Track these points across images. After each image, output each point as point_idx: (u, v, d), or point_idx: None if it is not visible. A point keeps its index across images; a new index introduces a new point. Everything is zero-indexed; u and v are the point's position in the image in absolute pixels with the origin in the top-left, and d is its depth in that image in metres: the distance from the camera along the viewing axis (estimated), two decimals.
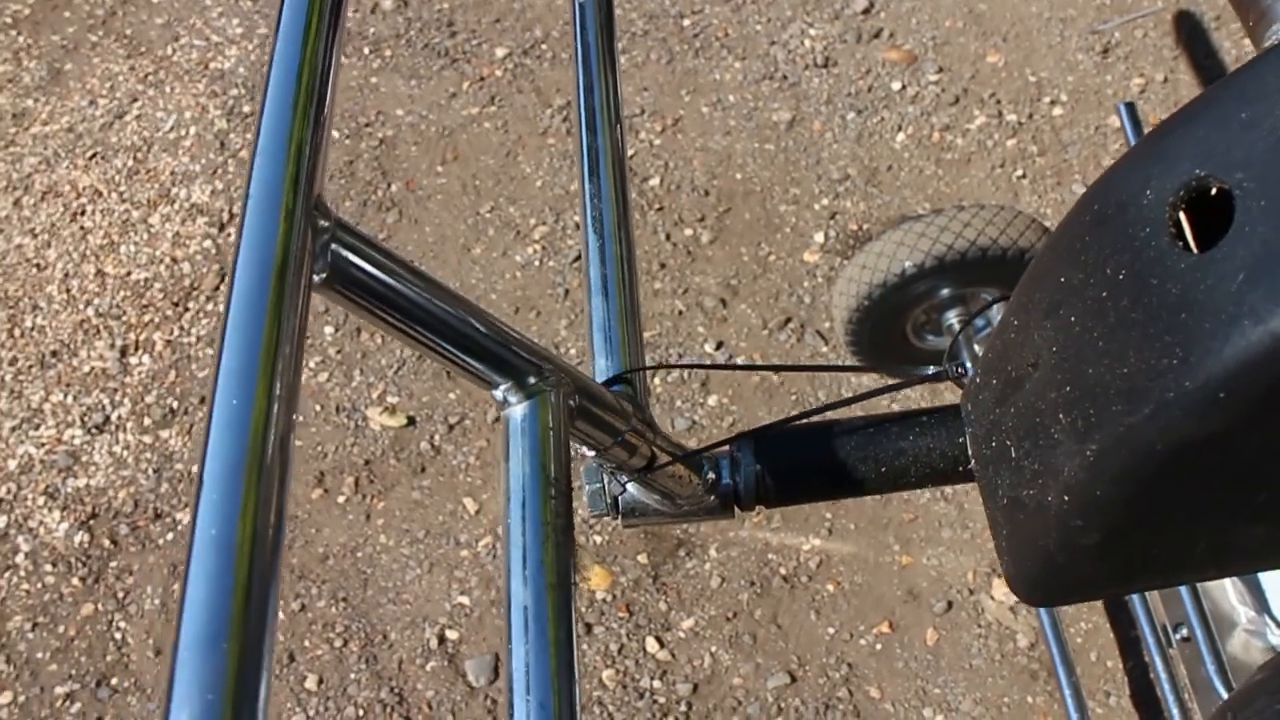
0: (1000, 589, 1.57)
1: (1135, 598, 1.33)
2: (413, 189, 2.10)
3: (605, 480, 0.70)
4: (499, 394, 0.49)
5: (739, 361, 1.79)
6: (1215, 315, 0.44)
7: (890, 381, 1.39)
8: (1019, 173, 1.97)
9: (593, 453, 0.59)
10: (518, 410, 0.48)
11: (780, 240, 1.94)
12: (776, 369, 1.13)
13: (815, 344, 1.80)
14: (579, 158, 0.77)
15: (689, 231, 1.97)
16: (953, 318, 1.44)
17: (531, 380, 0.48)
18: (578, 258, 1.97)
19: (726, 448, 0.75)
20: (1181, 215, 0.47)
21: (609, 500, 0.71)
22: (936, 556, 1.61)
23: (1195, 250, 0.46)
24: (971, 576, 1.59)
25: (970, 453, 0.67)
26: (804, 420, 0.75)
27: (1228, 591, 1.34)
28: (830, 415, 0.77)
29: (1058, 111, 2.03)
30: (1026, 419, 0.56)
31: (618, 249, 0.73)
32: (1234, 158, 0.44)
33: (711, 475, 0.73)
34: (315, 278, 0.42)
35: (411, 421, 1.83)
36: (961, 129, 2.03)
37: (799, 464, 0.74)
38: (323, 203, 0.42)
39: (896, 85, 2.10)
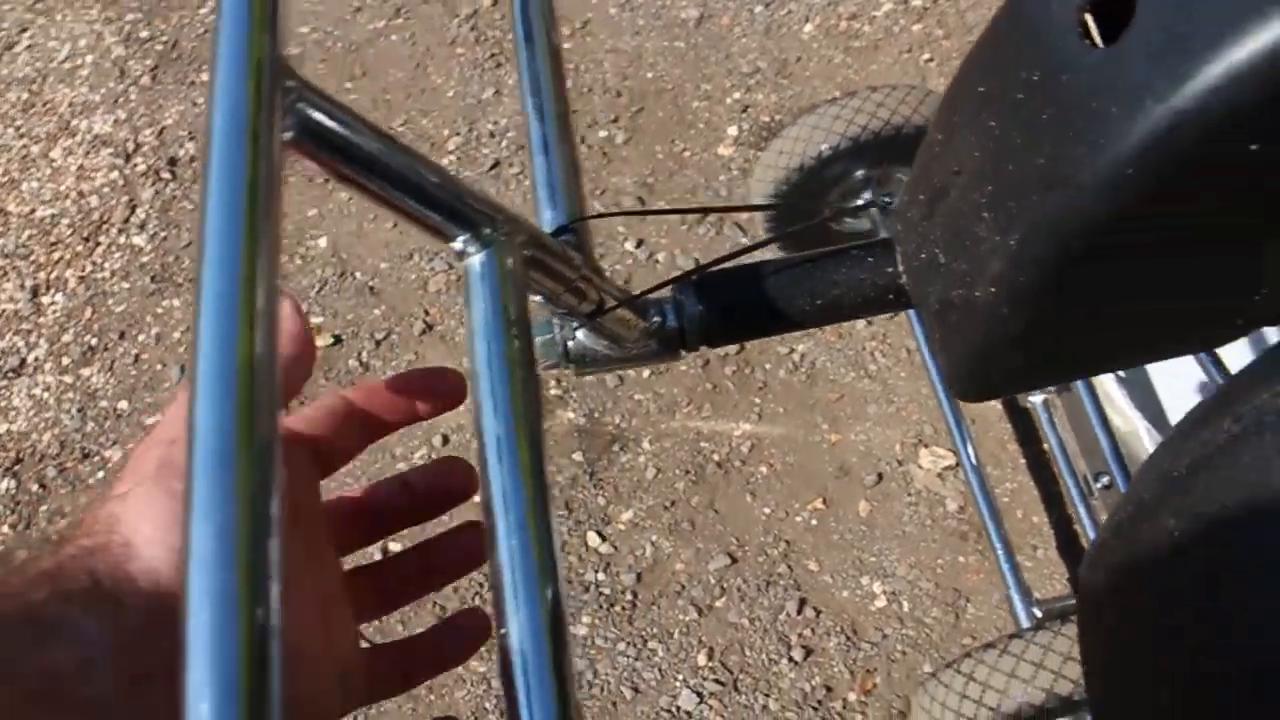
0: (928, 458, 1.61)
1: (1057, 451, 1.37)
2: None
3: (557, 329, 0.72)
4: (458, 245, 0.50)
5: (664, 205, 1.80)
6: (1120, 100, 0.47)
7: (821, 216, 1.41)
8: (926, 56, 1.99)
9: (544, 300, 0.61)
10: (476, 259, 0.50)
11: (694, 136, 1.95)
12: (711, 210, 1.16)
13: (734, 235, 1.82)
14: (514, 24, 0.78)
15: (603, 133, 1.97)
16: (869, 197, 1.46)
17: (488, 231, 0.50)
18: (494, 165, 1.96)
19: (670, 291, 0.77)
20: (1088, 16, 0.49)
21: (560, 348, 0.73)
22: (864, 432, 1.65)
23: (1101, 45, 0.49)
24: (899, 448, 1.63)
25: (901, 270, 0.70)
26: (742, 261, 0.77)
27: (1144, 439, 1.39)
28: (766, 255, 0.80)
29: None
30: (952, 224, 0.59)
31: (555, 106, 0.75)
32: None
33: (657, 319, 0.75)
34: (284, 136, 0.43)
35: (338, 340, 1.82)
36: (868, 16, 2.05)
37: (739, 303, 0.76)
38: (287, 64, 0.42)
39: None
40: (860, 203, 0.90)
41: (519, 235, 0.52)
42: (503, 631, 0.41)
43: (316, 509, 0.46)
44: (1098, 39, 0.49)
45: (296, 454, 0.45)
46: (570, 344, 0.73)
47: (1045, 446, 1.54)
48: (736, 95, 1.99)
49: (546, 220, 0.70)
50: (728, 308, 0.76)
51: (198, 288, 0.35)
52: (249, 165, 0.36)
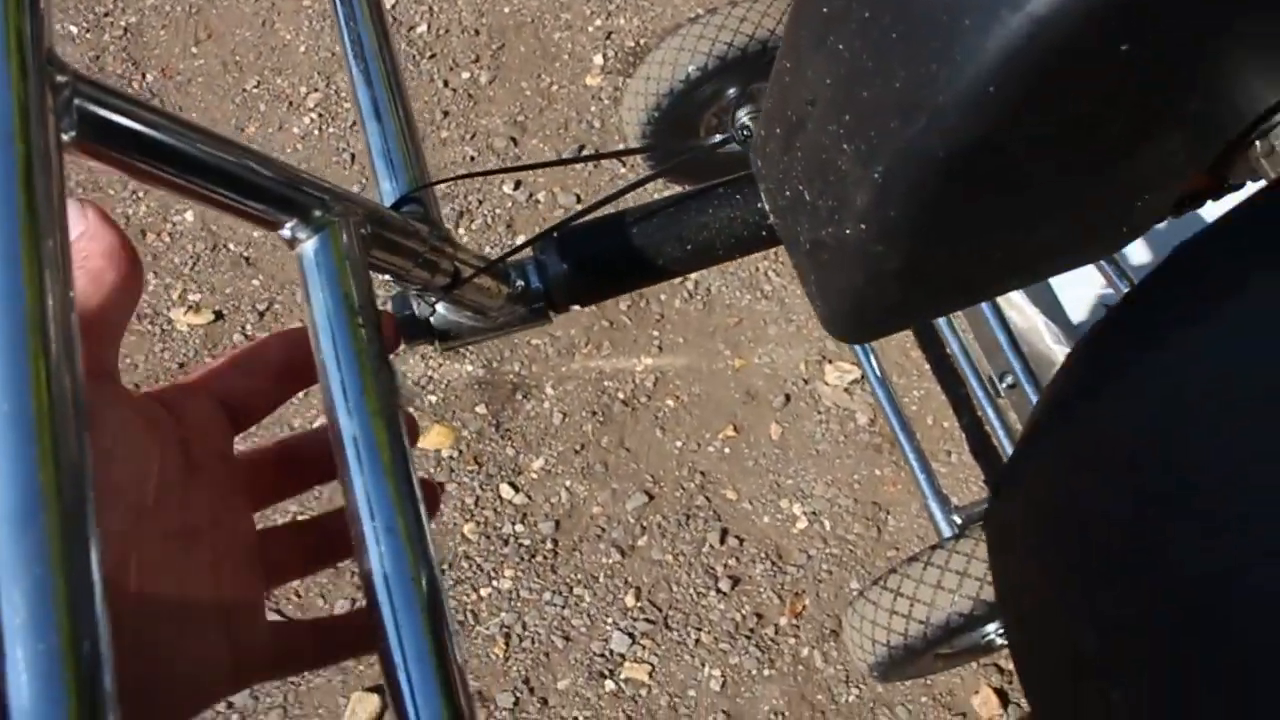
0: (833, 374, 1.61)
1: (959, 354, 1.38)
2: (170, 76, 1.97)
3: (415, 306, 0.68)
4: (287, 232, 0.46)
5: (527, 161, 1.76)
6: (974, 11, 0.44)
7: (678, 156, 1.38)
8: None
9: (394, 279, 0.57)
10: (309, 245, 0.45)
11: (560, 69, 1.90)
12: (555, 164, 1.12)
13: (613, 167, 1.78)
14: None
15: (466, 74, 1.91)
16: (744, 116, 1.43)
17: (317, 213, 0.45)
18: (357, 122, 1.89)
19: (531, 251, 0.73)
20: None
21: (422, 326, 0.69)
22: (767, 354, 1.64)
23: None
24: (804, 367, 1.63)
25: (768, 209, 0.67)
26: (602, 211, 0.74)
27: (1043, 334, 1.40)
28: (629, 203, 0.77)
29: None
30: (813, 158, 0.56)
31: (382, 68, 0.70)
32: None
33: (521, 282, 0.72)
34: (64, 137, 0.38)
35: (219, 315, 1.76)
36: None
37: (606, 255, 0.73)
38: (56, 56, 0.37)
39: None
40: (717, 139, 0.86)
41: (354, 213, 0.48)
42: (381, 641, 0.39)
43: (222, 462, 0.43)
44: None
45: (199, 405, 0.43)
46: (433, 320, 0.70)
47: (949, 350, 1.55)
48: (598, 22, 1.94)
49: (387, 192, 0.66)
50: (593, 262, 0.73)
51: None
52: (20, 175, 0.32)
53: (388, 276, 0.57)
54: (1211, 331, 0.40)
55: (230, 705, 1.51)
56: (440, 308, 0.69)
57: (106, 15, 2.05)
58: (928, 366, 1.61)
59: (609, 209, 0.74)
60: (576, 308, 0.74)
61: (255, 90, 1.94)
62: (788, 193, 0.61)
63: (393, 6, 1.99)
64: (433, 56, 1.93)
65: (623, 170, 1.78)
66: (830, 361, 1.62)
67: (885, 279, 0.55)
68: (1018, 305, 1.40)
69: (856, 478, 1.55)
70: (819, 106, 0.54)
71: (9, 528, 0.28)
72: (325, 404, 0.43)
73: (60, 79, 0.36)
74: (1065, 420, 0.49)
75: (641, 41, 1.91)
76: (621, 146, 1.61)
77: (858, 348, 1.40)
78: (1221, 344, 0.40)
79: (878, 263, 0.54)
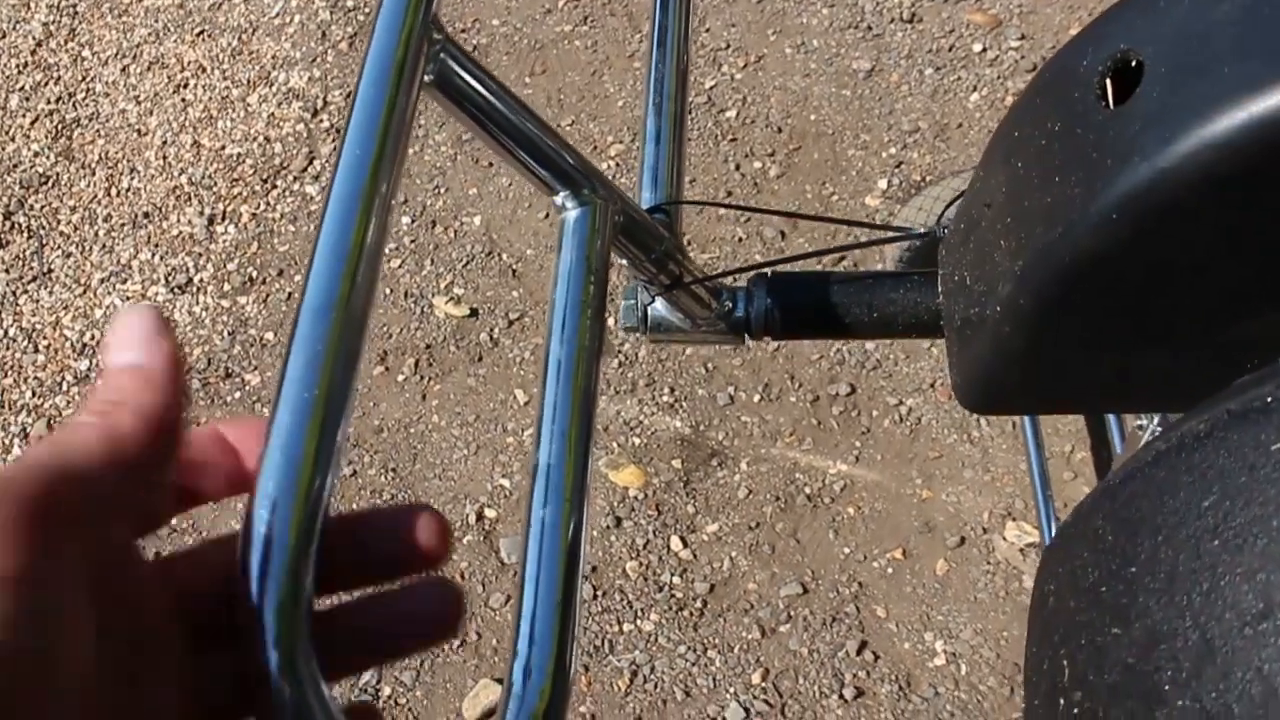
0: (1013, 532, 1.64)
1: None
2: None
3: (639, 297, 0.81)
4: (558, 200, 0.58)
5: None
6: (1116, 153, 0.54)
7: (889, 235, 1.49)
8: None
9: (629, 264, 0.69)
10: (572, 214, 0.58)
11: (845, 182, 2.01)
12: (795, 216, 1.24)
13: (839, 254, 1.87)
14: (651, 28, 0.87)
15: (758, 164, 2.04)
16: (931, 228, 1.52)
17: (586, 192, 0.58)
18: None
19: (744, 280, 0.84)
20: (1108, 80, 0.57)
21: (640, 313, 0.81)
22: (956, 494, 1.69)
23: (1112, 106, 0.57)
24: (987, 516, 1.66)
25: (939, 289, 0.77)
26: (813, 264, 0.85)
27: None
28: (836, 264, 0.87)
29: None
30: (980, 250, 0.66)
31: (672, 107, 0.84)
32: (1149, 36, 0.55)
33: (729, 304, 0.83)
34: (426, 78, 0.52)
35: (474, 313, 1.93)
36: None
37: (804, 303, 0.84)
38: (438, 20, 0.51)
39: (978, 47, 2.15)
40: (922, 230, 0.99)
41: (614, 202, 0.61)
42: (527, 531, 0.48)
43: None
44: (1110, 100, 0.57)
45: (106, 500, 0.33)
46: (649, 310, 0.82)
47: None
48: (893, 150, 2.04)
49: (645, 199, 0.80)
50: (793, 306, 0.84)
51: (329, 185, 0.43)
52: (389, 96, 0.45)
53: (625, 262, 0.69)
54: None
55: None
56: (658, 303, 0.81)
57: (463, 31, 2.28)
58: None
59: (818, 264, 0.85)
60: (768, 339, 0.84)
61: (568, 128, 2.12)
62: (955, 277, 0.71)
63: (711, 88, 2.14)
64: (733, 140, 2.07)
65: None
66: (1014, 519, 1.65)
67: (1009, 359, 0.64)
68: None
69: (1006, 635, 1.57)
70: (993, 209, 0.64)
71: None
72: (545, 337, 0.54)
73: (436, 36, 0.50)
74: (1095, 505, 0.55)
75: (927, 178, 2.00)
76: (874, 232, 1.71)
77: (1042, 515, 1.44)
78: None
79: (1005, 343, 0.64)
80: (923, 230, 0.99)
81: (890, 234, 1.34)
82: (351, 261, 0.41)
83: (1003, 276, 0.62)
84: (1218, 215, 0.52)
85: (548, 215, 2.01)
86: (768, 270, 0.85)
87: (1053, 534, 0.63)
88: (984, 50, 2.15)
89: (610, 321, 1.64)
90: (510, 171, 2.04)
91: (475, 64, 0.53)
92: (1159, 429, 1.21)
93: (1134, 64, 0.55)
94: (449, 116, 0.55)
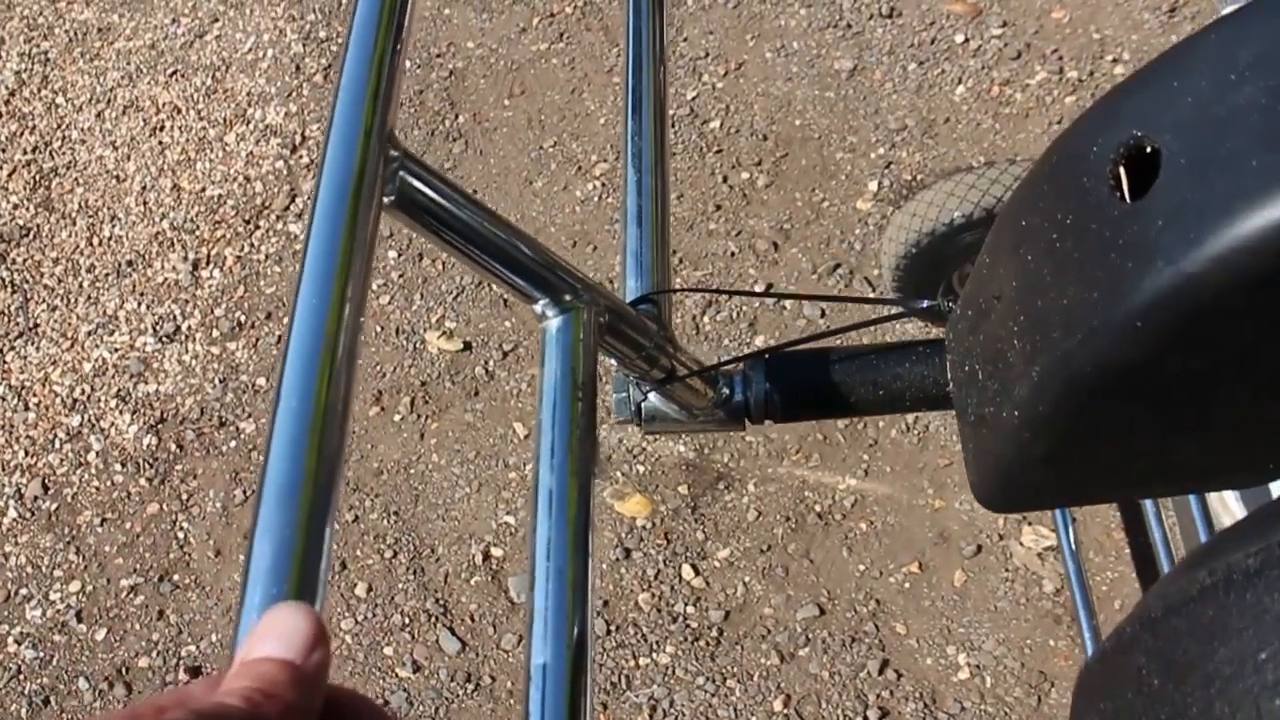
0: (1030, 537, 1.61)
1: (1160, 549, 1.37)
2: (479, 121, 2.15)
3: (630, 390, 0.77)
4: (538, 308, 0.55)
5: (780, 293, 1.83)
6: (1137, 256, 0.50)
7: (889, 312, 1.44)
8: None
9: (618, 363, 0.66)
10: (554, 323, 0.55)
11: (835, 187, 1.98)
12: (787, 296, 1.20)
13: (863, 290, 1.84)
14: (624, 96, 0.83)
15: (745, 175, 2.01)
16: (936, 303, 1.48)
17: (567, 298, 0.55)
18: None
19: (740, 366, 0.81)
20: (1121, 169, 0.53)
21: (633, 408, 0.78)
22: (969, 502, 1.66)
23: (1128, 200, 0.52)
24: (1002, 523, 1.63)
25: (949, 377, 0.74)
26: (810, 344, 0.81)
27: None
28: (833, 341, 0.84)
29: (1120, 70, 2.04)
30: (990, 345, 0.62)
31: (654, 182, 0.80)
32: (1165, 122, 0.50)
33: (725, 390, 0.80)
34: (385, 199, 0.48)
35: (468, 346, 1.90)
36: (1021, 84, 2.05)
37: (804, 384, 0.80)
38: (394, 136, 0.48)
39: (959, 38, 2.12)
40: (925, 306, 0.95)
41: (597, 303, 0.57)
42: (529, 676, 0.45)
43: None
44: (1126, 193, 0.53)
45: None
46: (643, 405, 0.78)
47: (1152, 539, 1.53)
48: (881, 151, 2.01)
49: (630, 289, 0.76)
50: (794, 389, 0.80)
51: (290, 317, 0.41)
52: (346, 226, 0.42)
53: (613, 361, 0.66)
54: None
55: (385, 704, 1.62)
56: (652, 397, 0.77)
57: (439, 56, 2.25)
58: (1128, 551, 1.59)
59: (817, 342, 0.81)
60: (769, 423, 0.81)
61: (551, 149, 2.09)
62: (966, 368, 0.67)
63: (693, 99, 2.11)
64: (719, 152, 2.04)
65: (871, 295, 1.83)
66: (1030, 524, 1.62)
67: (1030, 463, 0.61)
68: (1230, 507, 1.38)
69: (1029, 643, 1.54)
70: (1003, 302, 0.60)
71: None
72: (534, 456, 0.52)
73: (393, 154, 0.47)
74: (1135, 639, 0.52)
75: (919, 177, 1.96)
76: (872, 291, 1.67)
77: (1058, 518, 1.41)
78: None
79: (1026, 448, 0.60)
80: (924, 306, 0.96)
81: (892, 312, 1.30)
82: (318, 414, 0.38)
83: (1019, 379, 0.59)
84: (1250, 316, 0.48)
85: (535, 234, 1.97)
86: (765, 354, 0.82)
87: (1083, 665, 0.60)
88: (966, 40, 2.12)
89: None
90: (495, 201, 2.01)
91: (438, 177, 0.50)
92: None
93: (1149, 151, 0.51)
94: (412, 233, 0.52)
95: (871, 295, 1.39)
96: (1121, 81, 0.55)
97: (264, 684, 0.34)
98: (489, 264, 0.53)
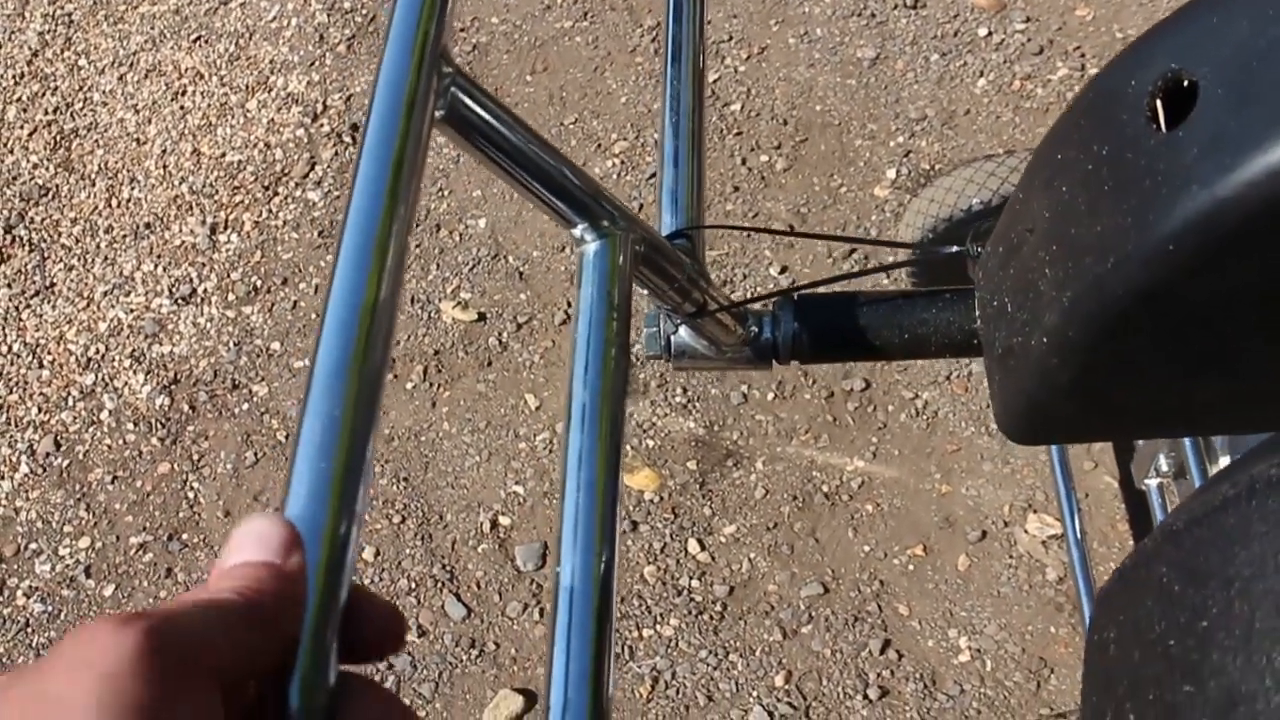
0: (1034, 524, 1.62)
1: None
2: (501, 96, 2.15)
3: (661, 323, 0.78)
4: (577, 232, 0.56)
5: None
6: (1172, 182, 0.51)
7: (916, 257, 1.45)
8: None
9: (651, 294, 0.67)
10: (591, 247, 0.56)
11: (853, 173, 1.99)
12: (818, 237, 1.21)
13: (877, 275, 1.84)
14: (664, 45, 0.84)
15: (765, 158, 2.02)
16: (964, 247, 1.48)
17: (605, 224, 0.56)
18: (653, 175, 2.03)
19: (770, 305, 0.82)
20: (1158, 102, 0.54)
21: (663, 341, 0.79)
22: (976, 488, 1.67)
23: (1164, 130, 0.53)
24: (1008, 509, 1.64)
25: (976, 315, 0.75)
26: (838, 286, 0.82)
27: None
28: (862, 284, 0.85)
29: None
30: (1021, 276, 0.63)
31: (690, 125, 0.81)
32: (1203, 56, 0.51)
33: (754, 329, 0.81)
34: (436, 114, 0.49)
35: (482, 318, 1.91)
36: (1043, 79, 2.05)
37: (832, 326, 0.81)
38: (448, 53, 0.49)
39: (983, 31, 2.12)
40: (954, 249, 0.95)
41: (634, 232, 0.58)
42: (557, 573, 0.46)
43: None
44: (1162, 124, 0.54)
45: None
46: (674, 338, 0.79)
47: None
48: (900, 139, 2.01)
49: (666, 224, 0.77)
50: (822, 330, 0.81)
51: (340, 229, 0.42)
52: (400, 135, 0.43)
53: (647, 291, 0.67)
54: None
55: (390, 667, 1.63)
56: (682, 331, 0.78)
57: (462, 30, 2.26)
58: (1133, 542, 1.60)
59: (844, 285, 0.82)
60: (795, 363, 0.82)
61: (571, 126, 2.10)
62: (995, 303, 0.68)
63: (715, 81, 2.12)
64: (739, 134, 2.05)
65: (885, 281, 1.84)
66: (1035, 511, 1.63)
67: (1056, 391, 0.61)
68: None
69: (1030, 629, 1.55)
70: (1036, 234, 0.61)
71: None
72: (568, 376, 0.52)
73: (446, 69, 0.48)
74: (1157, 551, 0.53)
75: (937, 166, 1.97)
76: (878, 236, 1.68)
77: (1065, 506, 1.41)
78: None
79: (1052, 375, 0.61)
80: (954, 249, 0.97)
81: (919, 256, 1.31)
82: (364, 323, 0.39)
83: (1049, 306, 0.59)
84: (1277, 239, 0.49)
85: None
86: (794, 293, 0.82)
87: (1104, 584, 0.61)
88: (989, 34, 2.12)
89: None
90: None
91: (488, 96, 0.51)
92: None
93: (1186, 84, 0.52)
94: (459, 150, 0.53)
95: (898, 242, 1.41)
96: (1158, 22, 0.56)
97: (250, 582, 0.35)
98: (532, 185, 0.54)
